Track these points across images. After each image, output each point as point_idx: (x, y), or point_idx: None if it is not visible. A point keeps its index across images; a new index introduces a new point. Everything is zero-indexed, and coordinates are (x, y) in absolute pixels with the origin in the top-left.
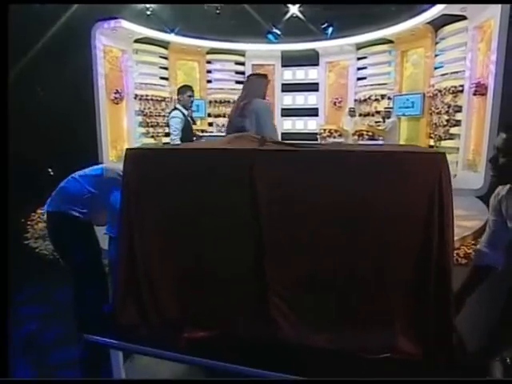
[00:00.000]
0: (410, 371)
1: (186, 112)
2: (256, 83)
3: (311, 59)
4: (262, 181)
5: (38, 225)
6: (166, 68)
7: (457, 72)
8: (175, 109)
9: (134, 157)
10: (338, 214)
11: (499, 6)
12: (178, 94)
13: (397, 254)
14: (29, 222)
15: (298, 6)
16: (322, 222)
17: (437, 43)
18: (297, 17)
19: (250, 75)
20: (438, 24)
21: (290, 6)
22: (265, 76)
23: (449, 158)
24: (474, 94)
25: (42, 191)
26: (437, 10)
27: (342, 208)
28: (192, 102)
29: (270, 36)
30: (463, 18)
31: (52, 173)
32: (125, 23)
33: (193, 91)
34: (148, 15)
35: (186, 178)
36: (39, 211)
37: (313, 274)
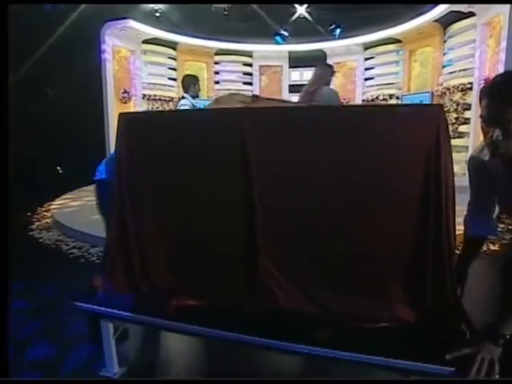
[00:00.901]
0: (408, 343)
1: (194, 102)
2: (324, 71)
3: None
4: (252, 140)
5: (44, 218)
6: (174, 69)
7: (465, 69)
8: (183, 98)
9: (127, 121)
10: (332, 172)
11: None
12: (185, 83)
13: (392, 213)
14: (35, 216)
15: (305, 6)
16: (315, 181)
17: (445, 41)
18: (304, 17)
19: (319, 64)
20: (446, 22)
21: (297, 6)
22: (331, 66)
23: (458, 156)
24: None
25: (50, 188)
26: (444, 6)
27: (335, 165)
28: (199, 90)
29: (278, 38)
30: (472, 14)
31: (60, 171)
32: (133, 23)
33: (199, 81)
34: (157, 17)
35: (177, 140)
36: (45, 207)
37: (307, 238)
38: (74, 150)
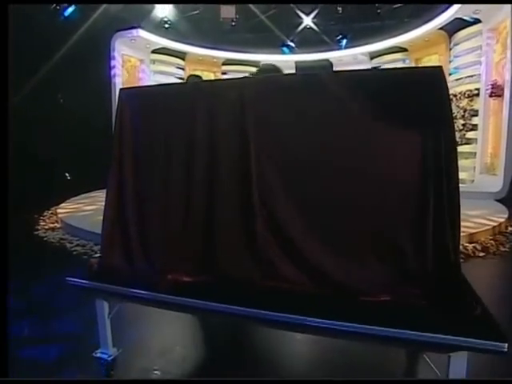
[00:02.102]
0: (408, 318)
1: None
2: None
3: (325, 70)
4: (250, 109)
5: (50, 219)
6: (182, 78)
7: (472, 76)
8: None
9: (127, 95)
10: (330, 138)
11: None
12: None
13: (393, 178)
14: (42, 217)
15: (311, 17)
16: (313, 147)
17: (450, 49)
18: (310, 28)
19: None
20: (452, 29)
21: (304, 17)
22: None
23: (466, 163)
24: (491, 96)
25: (58, 193)
26: (449, 13)
27: (333, 131)
28: None
29: (285, 49)
30: (477, 21)
31: (69, 177)
32: (143, 33)
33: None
34: (166, 28)
35: (175, 111)
36: (52, 209)
37: (306, 206)
38: (82, 157)
